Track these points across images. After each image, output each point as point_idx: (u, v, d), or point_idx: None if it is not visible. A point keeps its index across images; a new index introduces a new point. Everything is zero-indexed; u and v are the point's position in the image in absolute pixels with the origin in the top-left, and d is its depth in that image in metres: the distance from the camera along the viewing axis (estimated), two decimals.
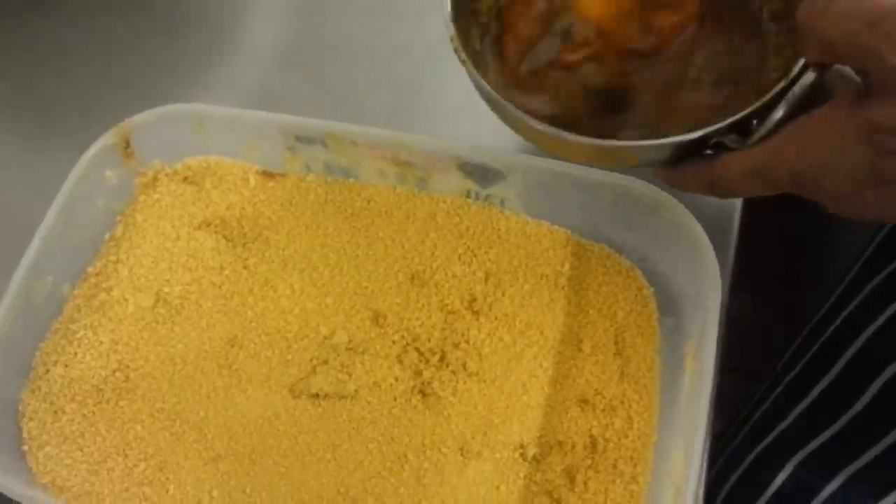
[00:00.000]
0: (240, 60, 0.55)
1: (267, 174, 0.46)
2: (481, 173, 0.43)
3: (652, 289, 0.42)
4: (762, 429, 0.56)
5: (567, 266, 0.42)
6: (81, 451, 0.38)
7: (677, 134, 0.33)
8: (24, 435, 0.39)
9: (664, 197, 0.39)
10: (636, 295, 0.42)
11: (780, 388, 0.57)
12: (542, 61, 0.38)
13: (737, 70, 0.36)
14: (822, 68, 0.31)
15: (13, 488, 0.35)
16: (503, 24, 0.39)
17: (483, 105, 0.37)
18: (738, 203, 0.46)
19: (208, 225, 0.45)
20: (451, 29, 0.36)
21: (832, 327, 0.54)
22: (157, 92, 0.52)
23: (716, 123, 0.32)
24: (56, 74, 0.55)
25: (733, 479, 0.57)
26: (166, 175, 0.46)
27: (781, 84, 0.32)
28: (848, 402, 0.51)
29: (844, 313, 0.54)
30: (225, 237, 0.44)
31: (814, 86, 0.31)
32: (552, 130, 0.34)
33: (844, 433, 0.51)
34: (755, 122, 0.32)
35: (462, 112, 0.50)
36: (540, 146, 0.37)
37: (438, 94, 0.53)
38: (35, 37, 0.56)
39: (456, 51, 0.35)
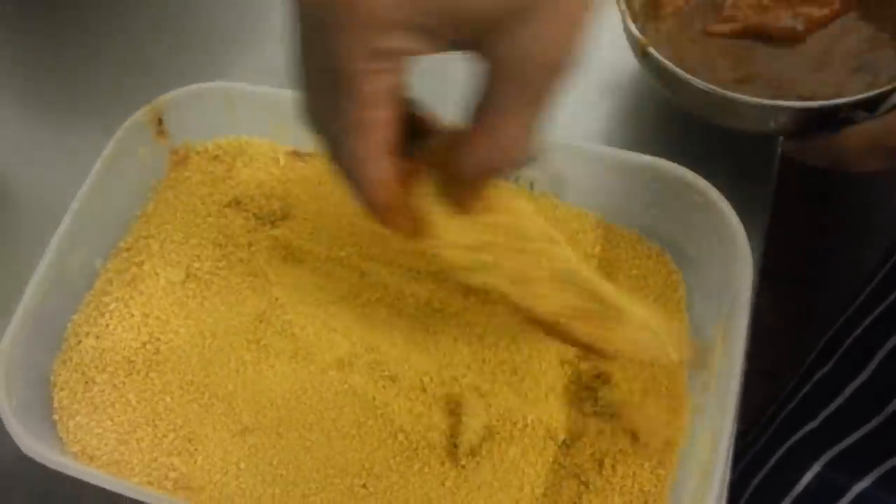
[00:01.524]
0: (271, 41, 0.55)
1: (297, 154, 0.46)
2: None
3: (681, 273, 0.42)
4: (789, 428, 0.56)
5: (598, 249, 0.42)
6: (111, 420, 0.39)
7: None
8: (55, 404, 0.40)
9: (696, 178, 0.39)
10: (666, 280, 0.41)
11: (808, 387, 0.56)
12: (696, 29, 0.45)
13: (875, 55, 0.41)
14: None
15: (45, 455, 0.36)
16: None
17: None
18: (769, 190, 0.46)
19: (238, 203, 0.45)
20: None
21: (864, 325, 0.53)
22: (189, 73, 0.53)
23: (852, 97, 0.38)
24: (89, 54, 0.55)
25: (758, 479, 0.56)
26: (197, 153, 0.46)
27: None
28: (881, 402, 0.50)
29: (876, 312, 0.53)
30: (254, 215, 0.45)
31: None
32: (715, 89, 0.40)
33: (877, 433, 0.50)
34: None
35: None
36: (684, 100, 0.43)
37: (467, 76, 0.52)
38: (68, 17, 0.57)
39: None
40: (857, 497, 0.50)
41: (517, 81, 0.24)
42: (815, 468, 0.52)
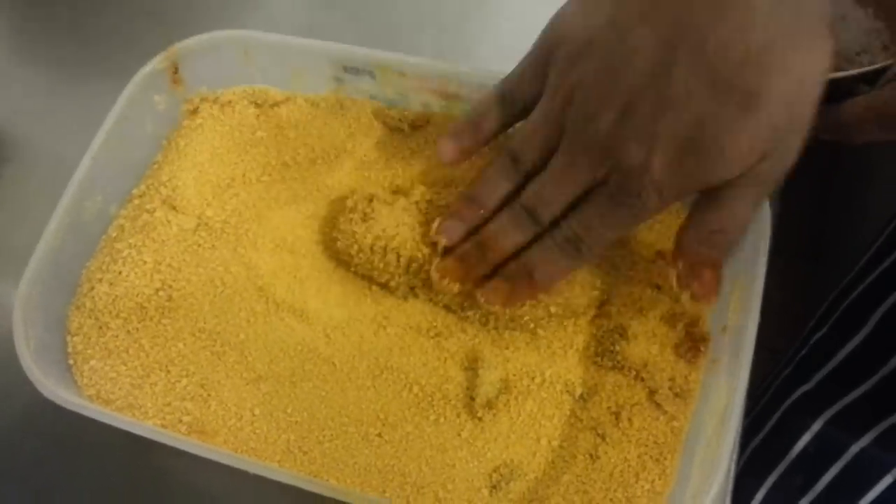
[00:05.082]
0: None
1: (311, 102, 0.46)
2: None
3: None
4: (784, 392, 0.56)
5: None
6: (125, 365, 0.39)
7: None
8: (70, 349, 0.39)
9: None
10: None
11: (804, 351, 0.57)
12: None
13: (875, 39, 0.45)
14: None
15: (65, 398, 0.35)
16: None
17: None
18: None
19: (250, 152, 0.45)
20: None
21: (859, 290, 0.54)
22: (203, 23, 0.51)
23: (856, 69, 0.41)
24: (102, 2, 0.55)
25: (756, 442, 0.56)
26: (210, 102, 0.45)
27: None
28: (877, 363, 0.51)
29: (871, 277, 0.53)
30: (267, 165, 0.44)
31: None
32: None
33: (873, 393, 0.51)
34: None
35: (507, 53, 0.50)
36: None
37: (484, 35, 0.52)
38: None
39: None
40: (857, 456, 0.51)
41: (751, 191, 0.33)
42: (813, 429, 0.53)
